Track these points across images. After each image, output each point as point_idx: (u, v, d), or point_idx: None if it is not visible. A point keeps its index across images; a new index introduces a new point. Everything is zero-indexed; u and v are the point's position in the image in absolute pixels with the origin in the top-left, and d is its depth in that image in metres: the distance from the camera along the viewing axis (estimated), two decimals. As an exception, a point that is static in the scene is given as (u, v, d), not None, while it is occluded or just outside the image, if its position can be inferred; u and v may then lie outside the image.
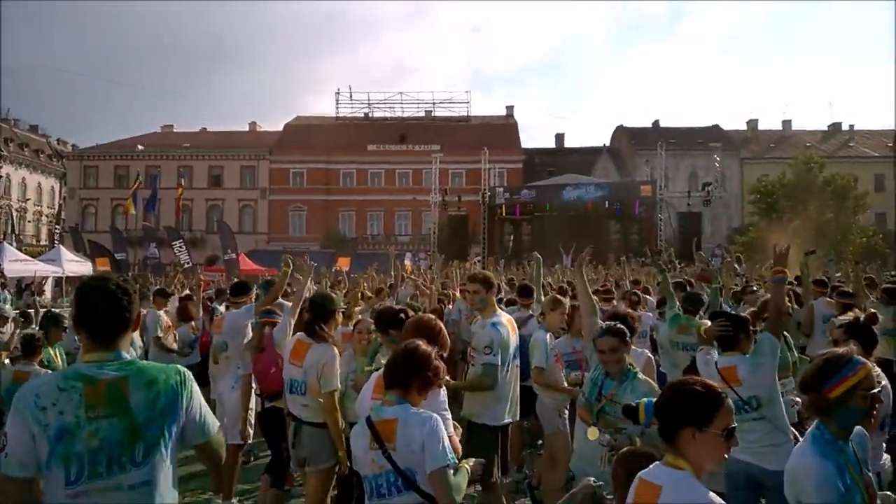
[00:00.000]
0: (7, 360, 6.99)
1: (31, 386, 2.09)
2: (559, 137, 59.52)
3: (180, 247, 17.25)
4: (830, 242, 31.48)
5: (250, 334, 5.92)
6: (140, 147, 53.27)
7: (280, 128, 56.60)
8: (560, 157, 53.77)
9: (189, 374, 2.25)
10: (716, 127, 54.94)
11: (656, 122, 56.96)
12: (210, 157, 52.52)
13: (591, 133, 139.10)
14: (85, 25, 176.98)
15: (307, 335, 4.46)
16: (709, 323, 4.53)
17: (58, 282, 21.28)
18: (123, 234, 22.80)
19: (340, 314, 4.87)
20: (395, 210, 51.15)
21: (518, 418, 4.76)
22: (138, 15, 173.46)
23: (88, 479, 2.00)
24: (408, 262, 18.60)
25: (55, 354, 6.67)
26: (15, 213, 54.15)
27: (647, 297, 9.66)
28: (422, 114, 56.93)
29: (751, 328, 4.14)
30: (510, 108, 59.11)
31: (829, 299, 8.00)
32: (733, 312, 4.51)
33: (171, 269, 18.22)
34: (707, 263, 8.74)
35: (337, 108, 57.22)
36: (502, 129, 53.77)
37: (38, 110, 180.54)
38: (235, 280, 9.91)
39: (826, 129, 55.24)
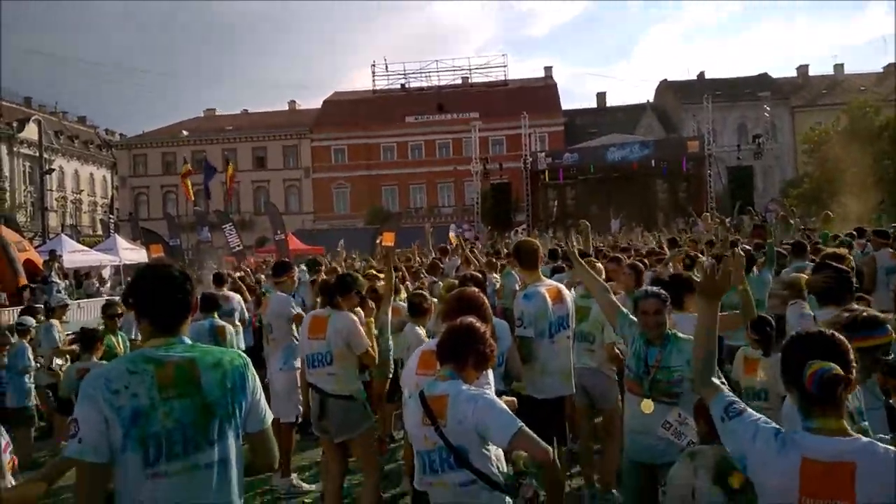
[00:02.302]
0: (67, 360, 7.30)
1: (99, 372, 2.10)
2: (600, 97, 58.38)
3: (230, 230, 17.53)
4: (889, 191, 30.19)
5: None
6: (185, 133, 54.31)
7: (319, 105, 56.89)
8: (602, 117, 52.76)
9: (248, 360, 2.28)
10: (764, 75, 52.98)
11: (701, 74, 55.25)
12: (253, 138, 53.23)
13: (634, 91, 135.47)
14: (120, 15, 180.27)
15: (328, 306, 4.73)
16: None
17: (116, 270, 22.00)
18: (176, 220, 23.35)
19: (357, 294, 4.91)
20: (437, 182, 51.13)
21: (574, 391, 4.65)
22: (174, 4, 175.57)
23: (167, 459, 2.01)
24: (452, 234, 18.54)
25: (117, 342, 6.93)
26: (71, 205, 56.12)
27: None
28: (458, 81, 56.36)
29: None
30: (548, 70, 58.06)
31: (891, 250, 7.70)
32: (841, 266, 4.35)
33: (223, 251, 18.65)
34: (754, 219, 8.48)
35: (373, 80, 57.11)
36: (541, 92, 52.92)
37: (83, 102, 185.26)
38: (277, 261, 10.11)
39: (882, 70, 52.57)
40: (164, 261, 2.34)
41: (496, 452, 2.82)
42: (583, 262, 4.29)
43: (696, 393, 2.77)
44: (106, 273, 21.71)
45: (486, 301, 3.60)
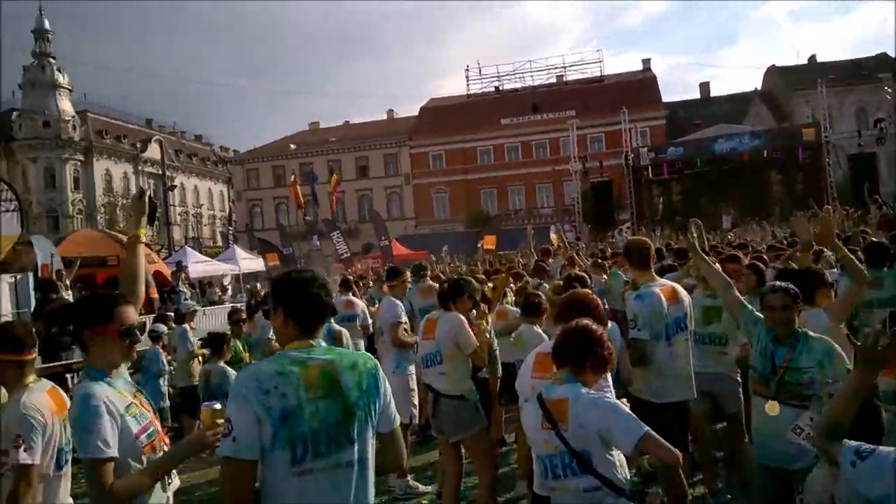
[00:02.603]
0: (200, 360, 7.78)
1: (249, 372, 2.22)
2: (704, 87, 55.92)
3: (338, 238, 18.24)
4: None
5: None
6: (293, 146, 56.70)
7: (416, 112, 57.76)
8: (707, 108, 50.45)
9: (378, 363, 2.36)
10: (883, 55, 48.98)
11: (812, 58, 51.89)
12: (355, 148, 54.75)
13: (739, 79, 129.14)
14: (224, 36, 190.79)
15: (442, 308, 4.90)
16: None
17: (235, 278, 23.29)
18: (287, 230, 24.48)
19: (469, 298, 4.94)
20: (535, 182, 50.61)
21: (695, 396, 4.44)
22: (275, 22, 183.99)
23: (312, 458, 2.10)
24: (553, 235, 18.36)
25: (242, 348, 7.35)
26: (192, 219, 59.96)
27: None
28: (553, 80, 55.58)
29: None
30: (646, 62, 56.28)
31: None
32: None
33: (332, 258, 19.40)
34: (882, 209, 7.84)
35: (468, 85, 57.19)
36: (640, 85, 51.21)
37: (198, 121, 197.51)
38: (389, 265, 10.38)
39: None
40: (308, 269, 2.48)
41: (619, 458, 2.77)
42: (705, 256, 4.14)
43: (816, 447, 2.53)
44: (226, 281, 23.02)
45: (600, 303, 3.56)
